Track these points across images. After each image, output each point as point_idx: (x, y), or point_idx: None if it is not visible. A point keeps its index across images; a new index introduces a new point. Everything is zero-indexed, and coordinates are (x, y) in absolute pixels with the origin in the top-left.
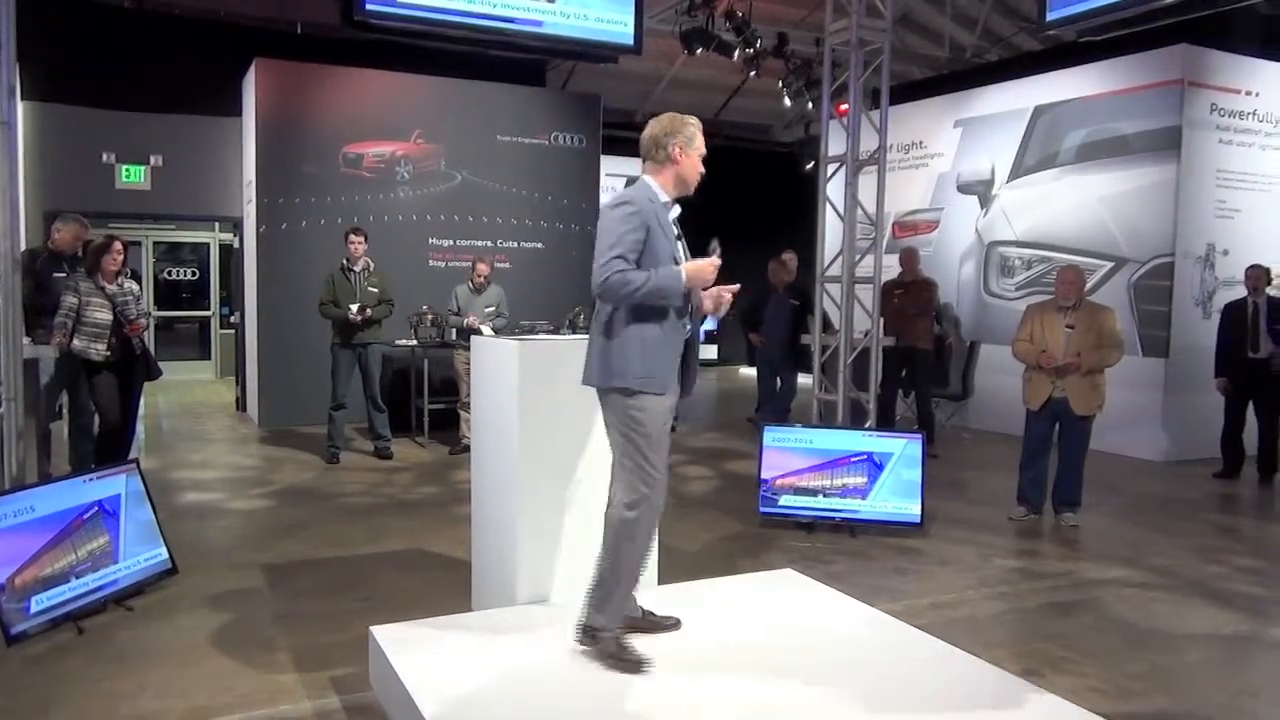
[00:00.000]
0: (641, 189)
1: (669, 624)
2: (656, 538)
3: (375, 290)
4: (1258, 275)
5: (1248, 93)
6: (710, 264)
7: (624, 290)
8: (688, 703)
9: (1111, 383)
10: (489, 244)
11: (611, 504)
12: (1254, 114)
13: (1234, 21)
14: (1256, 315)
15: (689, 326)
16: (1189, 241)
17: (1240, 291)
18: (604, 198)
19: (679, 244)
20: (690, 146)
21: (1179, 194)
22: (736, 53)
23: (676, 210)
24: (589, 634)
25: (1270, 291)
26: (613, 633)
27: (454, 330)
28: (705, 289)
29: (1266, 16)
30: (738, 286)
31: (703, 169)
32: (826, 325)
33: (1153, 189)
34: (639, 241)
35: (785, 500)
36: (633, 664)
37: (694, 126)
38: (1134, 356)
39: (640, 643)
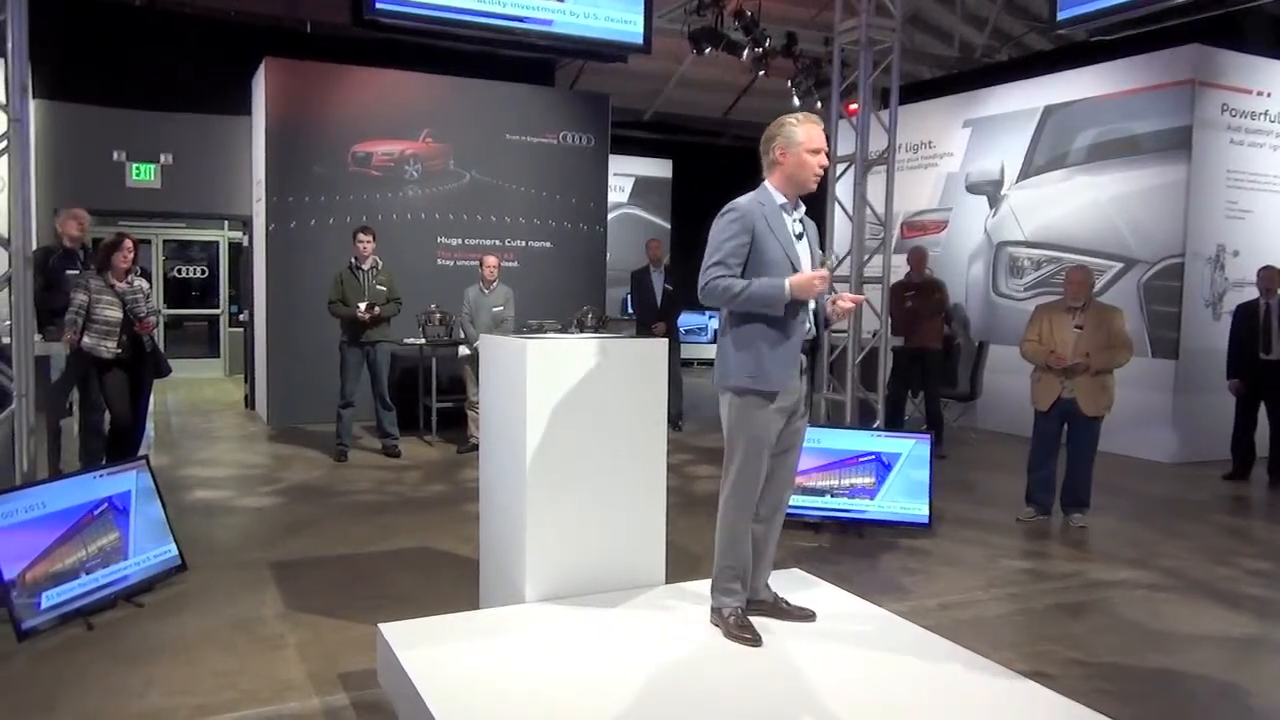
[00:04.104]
0: (755, 194)
1: (802, 614)
2: (774, 541)
3: (384, 289)
4: (1270, 276)
5: (1259, 93)
6: (819, 276)
7: (724, 297)
8: (694, 700)
9: (1120, 384)
10: (498, 243)
11: (720, 489)
12: (1265, 114)
13: (1245, 21)
14: (1269, 316)
15: (811, 328)
16: (1199, 242)
17: (1251, 293)
18: (612, 197)
19: (799, 244)
20: (791, 145)
21: (1189, 194)
22: (745, 52)
23: (800, 210)
24: (712, 612)
25: None
26: (731, 610)
27: (462, 331)
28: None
29: (1278, 17)
30: (863, 298)
31: (821, 161)
32: (827, 323)
33: (1163, 189)
34: (741, 247)
35: (793, 500)
36: (749, 639)
37: (793, 124)
38: (1143, 357)
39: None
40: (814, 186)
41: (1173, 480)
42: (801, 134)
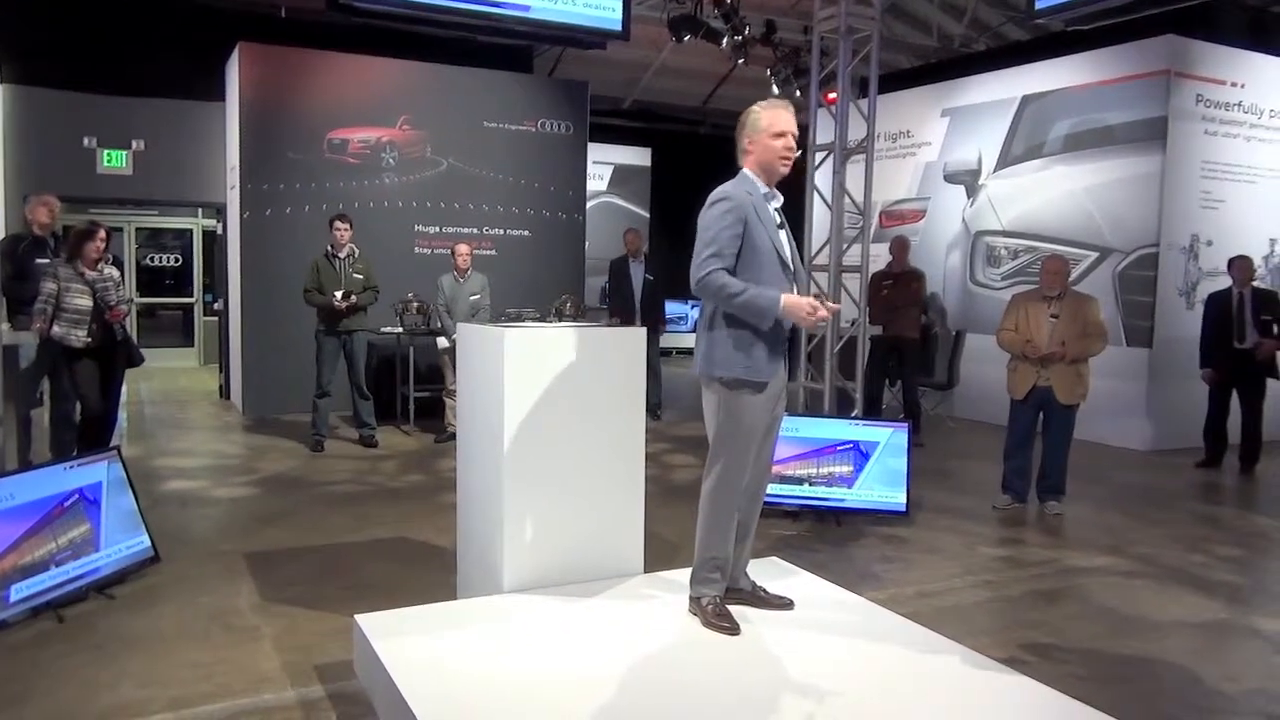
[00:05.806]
0: (741, 182)
1: (780, 603)
2: (753, 528)
3: (360, 277)
4: (1243, 266)
5: (1234, 84)
6: (811, 307)
7: (719, 295)
8: (670, 689)
9: (1095, 372)
10: (475, 231)
11: (704, 480)
12: (1240, 105)
13: (1221, 12)
14: (1241, 306)
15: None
16: (1174, 232)
17: (1224, 282)
18: (591, 185)
19: (781, 233)
20: (756, 131)
21: (1164, 185)
22: (724, 40)
23: (779, 200)
24: (691, 601)
25: (1255, 282)
26: (709, 599)
27: (439, 321)
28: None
29: (1253, 7)
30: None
31: (786, 144)
32: None
33: (1138, 179)
34: (736, 238)
35: (771, 488)
36: (726, 628)
37: (757, 111)
38: (1118, 346)
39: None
40: (784, 170)
41: (1147, 468)
42: (765, 119)
